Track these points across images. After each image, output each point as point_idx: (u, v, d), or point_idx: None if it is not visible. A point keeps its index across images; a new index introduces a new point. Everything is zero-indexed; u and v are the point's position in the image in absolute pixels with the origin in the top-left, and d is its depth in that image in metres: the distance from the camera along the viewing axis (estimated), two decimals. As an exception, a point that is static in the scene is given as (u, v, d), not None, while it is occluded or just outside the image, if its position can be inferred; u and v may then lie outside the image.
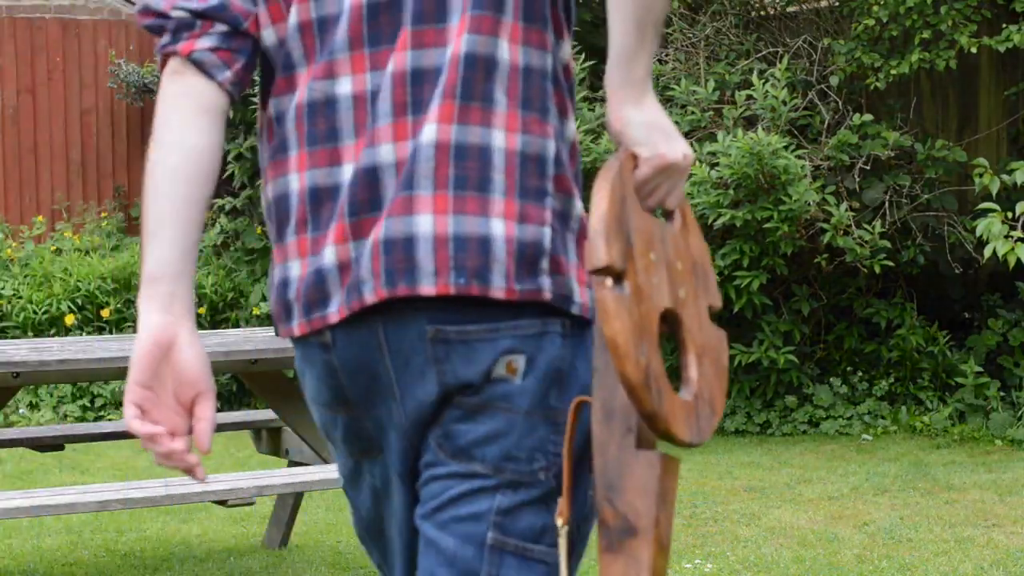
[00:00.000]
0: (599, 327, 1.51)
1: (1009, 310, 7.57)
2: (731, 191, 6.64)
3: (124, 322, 8.28)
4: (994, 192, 6.37)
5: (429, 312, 1.57)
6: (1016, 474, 6.11)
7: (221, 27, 1.66)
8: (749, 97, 6.83)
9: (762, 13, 7.69)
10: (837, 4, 7.33)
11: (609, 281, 1.46)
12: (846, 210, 6.77)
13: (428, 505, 1.62)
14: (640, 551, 1.52)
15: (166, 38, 1.66)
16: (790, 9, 7.58)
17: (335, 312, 1.60)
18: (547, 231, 1.59)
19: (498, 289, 1.56)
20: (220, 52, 1.66)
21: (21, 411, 7.89)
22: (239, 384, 8.32)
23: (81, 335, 8.02)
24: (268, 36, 1.67)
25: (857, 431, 7.16)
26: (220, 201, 8.94)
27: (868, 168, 7.08)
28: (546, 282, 1.58)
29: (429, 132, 1.55)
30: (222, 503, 3.90)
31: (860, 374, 7.45)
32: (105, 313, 8.21)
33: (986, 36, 6.86)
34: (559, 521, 1.58)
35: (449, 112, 1.56)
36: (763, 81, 6.86)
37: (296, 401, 4.73)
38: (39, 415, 7.87)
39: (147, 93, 9.30)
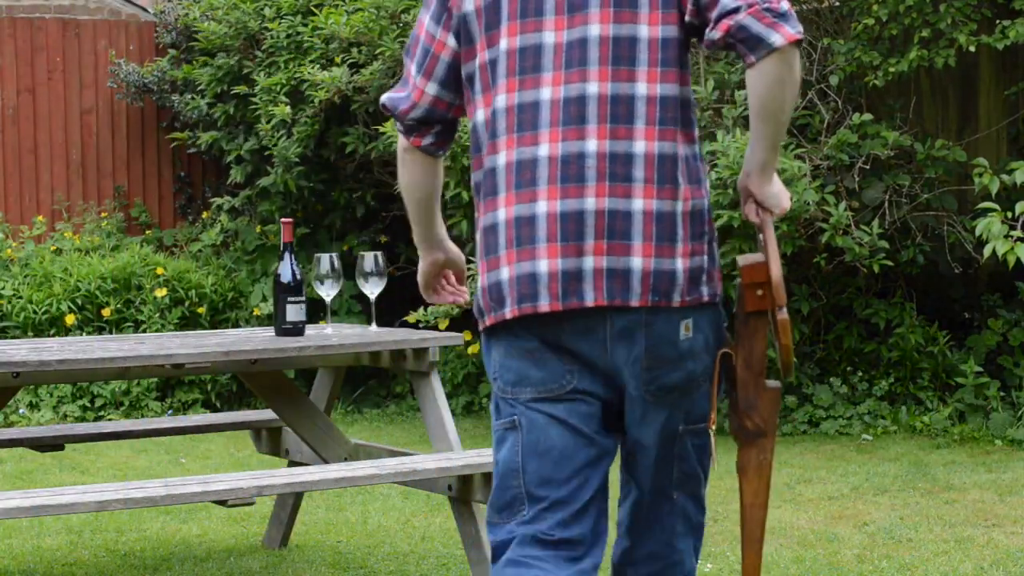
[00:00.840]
0: (775, 333, 2.69)
1: (1009, 310, 7.57)
2: (730, 191, 6.64)
3: (124, 322, 8.27)
4: (993, 192, 6.36)
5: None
6: (1016, 474, 6.11)
7: (436, 127, 2.76)
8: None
9: (762, 13, 7.68)
10: (837, 4, 7.32)
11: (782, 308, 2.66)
12: (845, 209, 6.77)
13: (640, 417, 2.64)
14: (766, 444, 2.69)
15: (401, 128, 2.78)
16: (790, 9, 7.58)
17: (545, 304, 2.55)
18: (706, 258, 2.60)
19: (676, 301, 2.57)
20: (435, 144, 2.78)
21: (21, 411, 7.89)
22: (239, 384, 8.32)
23: (81, 335, 8.02)
24: (479, 116, 2.64)
25: (857, 431, 7.16)
26: (219, 200, 8.93)
27: (868, 168, 7.07)
28: (704, 289, 2.60)
29: (638, 204, 2.54)
30: (222, 503, 3.89)
31: (860, 374, 7.45)
32: (105, 313, 8.20)
33: (984, 35, 6.84)
34: (712, 428, 2.70)
35: (651, 191, 2.54)
36: (762, 81, 6.86)
37: (296, 401, 4.73)
38: (39, 415, 7.87)
39: (147, 93, 9.30)
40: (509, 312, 2.57)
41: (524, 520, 2.60)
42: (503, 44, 2.59)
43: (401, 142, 2.78)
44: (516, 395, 2.61)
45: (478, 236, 2.65)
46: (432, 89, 2.70)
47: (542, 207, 2.54)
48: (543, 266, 2.54)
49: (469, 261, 7.40)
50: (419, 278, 2.96)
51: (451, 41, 2.67)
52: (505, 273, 2.57)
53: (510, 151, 2.57)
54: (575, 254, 2.53)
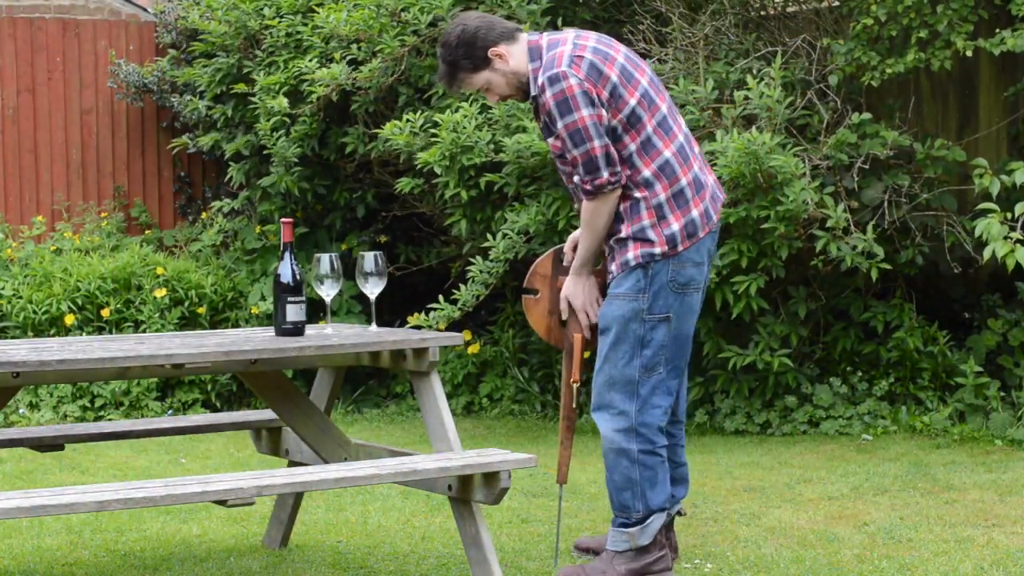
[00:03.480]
0: None
1: (1009, 310, 7.57)
2: (729, 191, 6.64)
3: (124, 322, 8.27)
4: (994, 194, 6.36)
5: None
6: (1016, 474, 6.11)
7: (619, 166, 4.38)
8: (747, 97, 6.82)
9: (762, 13, 7.68)
10: (837, 4, 7.32)
11: None
12: (843, 211, 6.76)
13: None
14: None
15: (612, 187, 4.34)
16: (790, 9, 7.58)
17: (715, 221, 4.46)
18: None
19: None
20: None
21: (21, 411, 7.89)
22: (239, 384, 8.32)
23: (81, 335, 8.02)
24: (649, 129, 4.39)
25: (857, 431, 7.16)
26: (217, 204, 8.93)
27: (867, 168, 7.07)
28: None
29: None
30: (222, 503, 3.89)
31: (860, 374, 7.44)
32: (105, 313, 8.21)
33: (982, 38, 6.83)
34: None
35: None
36: (758, 80, 6.85)
37: (296, 401, 4.73)
38: (39, 415, 7.87)
39: (147, 93, 9.30)
40: (703, 231, 4.37)
41: (660, 376, 4.41)
42: (639, 88, 4.39)
43: (612, 197, 4.33)
44: (684, 291, 4.40)
45: (666, 199, 4.34)
46: (607, 142, 4.34)
47: (695, 167, 4.45)
48: (707, 203, 4.43)
49: (468, 261, 7.42)
50: (586, 296, 4.51)
51: (605, 113, 4.30)
52: (695, 212, 4.38)
53: (670, 145, 4.39)
54: (719, 188, 4.54)
